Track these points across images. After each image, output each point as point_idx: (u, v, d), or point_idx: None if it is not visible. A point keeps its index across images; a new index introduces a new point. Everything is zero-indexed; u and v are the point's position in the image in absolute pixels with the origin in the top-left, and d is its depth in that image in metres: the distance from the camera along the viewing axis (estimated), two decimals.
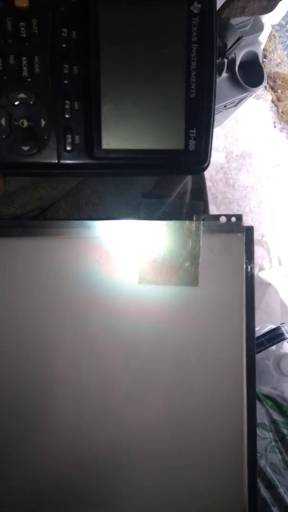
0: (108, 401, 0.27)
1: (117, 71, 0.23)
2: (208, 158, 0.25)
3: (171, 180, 0.30)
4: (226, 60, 0.84)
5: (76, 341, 0.26)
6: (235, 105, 0.96)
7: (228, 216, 0.27)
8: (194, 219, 0.26)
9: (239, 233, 0.27)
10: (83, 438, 0.27)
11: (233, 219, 0.27)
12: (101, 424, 0.27)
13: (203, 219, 0.26)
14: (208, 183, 1.04)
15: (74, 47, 0.23)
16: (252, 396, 0.27)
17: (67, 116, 0.23)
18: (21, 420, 0.26)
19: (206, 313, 0.27)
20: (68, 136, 0.24)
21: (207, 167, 0.26)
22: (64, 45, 0.23)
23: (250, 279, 0.27)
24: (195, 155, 0.25)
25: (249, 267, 0.27)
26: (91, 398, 0.27)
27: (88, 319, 0.26)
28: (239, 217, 0.27)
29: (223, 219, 0.27)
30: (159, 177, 0.31)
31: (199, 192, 0.34)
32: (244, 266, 0.27)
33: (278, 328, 0.69)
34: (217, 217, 0.27)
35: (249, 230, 0.27)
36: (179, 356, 0.27)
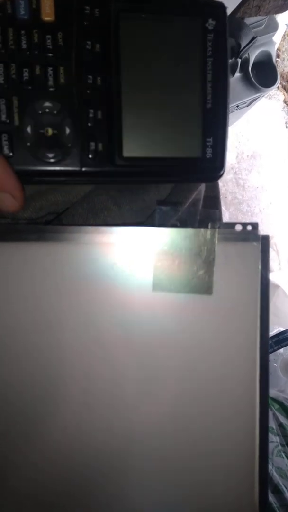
0: (117, 407, 0.27)
1: (138, 83, 0.24)
2: (224, 165, 0.26)
3: (186, 187, 0.30)
4: (239, 60, 0.84)
5: (88, 344, 0.26)
6: (247, 105, 0.95)
7: (244, 225, 0.27)
8: (209, 226, 0.26)
9: (255, 242, 0.27)
10: (90, 440, 0.27)
11: (249, 227, 0.27)
12: (108, 431, 0.27)
13: (219, 227, 0.26)
14: (218, 184, 1.04)
15: (97, 59, 0.24)
16: (265, 402, 0.27)
17: (90, 124, 0.24)
18: (27, 420, 0.26)
19: (220, 321, 0.27)
20: (91, 143, 0.24)
21: (222, 174, 0.27)
22: (87, 57, 0.24)
23: (265, 289, 0.27)
24: (211, 162, 0.26)
25: (264, 276, 0.27)
26: (100, 406, 0.27)
27: (101, 324, 0.27)
28: (255, 226, 0.27)
29: (238, 227, 0.27)
30: (174, 184, 0.31)
31: (213, 200, 0.34)
32: (259, 275, 0.27)
33: (286, 331, 0.69)
34: (232, 225, 0.27)
35: (265, 239, 0.27)
36: (191, 362, 0.27)
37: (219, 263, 0.26)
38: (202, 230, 0.26)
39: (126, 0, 0.24)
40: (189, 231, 0.26)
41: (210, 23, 0.25)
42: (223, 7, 0.25)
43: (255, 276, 0.27)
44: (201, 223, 0.27)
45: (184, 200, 0.30)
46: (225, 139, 0.26)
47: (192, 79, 0.25)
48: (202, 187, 0.33)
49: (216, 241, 0.26)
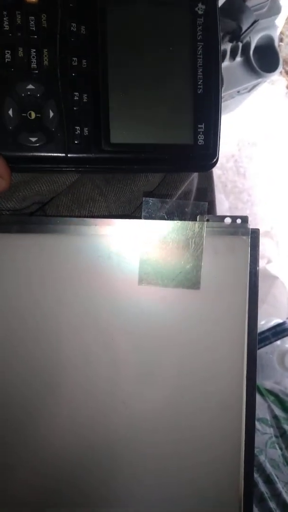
0: (110, 398, 0.27)
1: (126, 66, 0.24)
2: (217, 153, 0.25)
3: (177, 177, 0.29)
4: (240, 44, 0.82)
5: (74, 342, 0.26)
6: (248, 91, 0.93)
7: (234, 218, 0.26)
8: (197, 219, 0.25)
9: (244, 236, 0.26)
10: (86, 432, 0.27)
11: (239, 220, 0.26)
12: (99, 425, 0.27)
13: (207, 220, 0.26)
14: (218, 172, 1.02)
15: (82, 41, 0.23)
16: (252, 398, 0.27)
17: (75, 108, 0.23)
18: (26, 407, 0.26)
19: (207, 316, 0.26)
20: (77, 128, 0.23)
21: (215, 163, 0.26)
22: (72, 39, 0.23)
23: (254, 283, 0.26)
24: (204, 149, 0.25)
25: (253, 271, 0.26)
26: (94, 395, 0.26)
27: (86, 316, 0.26)
28: (244, 219, 0.26)
29: (228, 221, 0.26)
30: (164, 175, 0.30)
31: (206, 191, 0.33)
32: (248, 270, 0.26)
33: (284, 323, 0.69)
34: (222, 218, 0.26)
35: (255, 233, 0.26)
36: (179, 355, 0.27)
37: (207, 257, 0.26)
38: (190, 223, 0.25)
39: None
40: (176, 224, 0.25)
41: (200, 7, 0.24)
42: None
43: (244, 270, 0.26)
44: (191, 216, 0.26)
45: (174, 191, 0.29)
46: (218, 126, 0.25)
47: (182, 64, 0.24)
48: (195, 177, 0.32)
49: (205, 235, 0.25)
